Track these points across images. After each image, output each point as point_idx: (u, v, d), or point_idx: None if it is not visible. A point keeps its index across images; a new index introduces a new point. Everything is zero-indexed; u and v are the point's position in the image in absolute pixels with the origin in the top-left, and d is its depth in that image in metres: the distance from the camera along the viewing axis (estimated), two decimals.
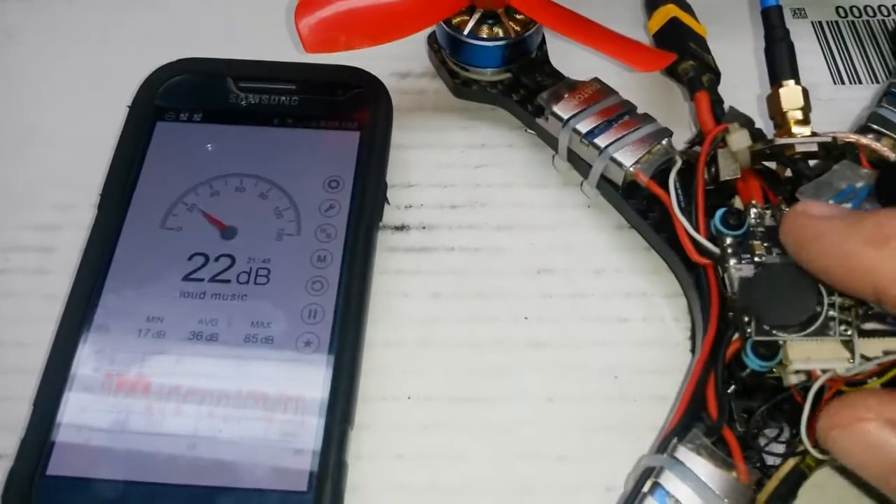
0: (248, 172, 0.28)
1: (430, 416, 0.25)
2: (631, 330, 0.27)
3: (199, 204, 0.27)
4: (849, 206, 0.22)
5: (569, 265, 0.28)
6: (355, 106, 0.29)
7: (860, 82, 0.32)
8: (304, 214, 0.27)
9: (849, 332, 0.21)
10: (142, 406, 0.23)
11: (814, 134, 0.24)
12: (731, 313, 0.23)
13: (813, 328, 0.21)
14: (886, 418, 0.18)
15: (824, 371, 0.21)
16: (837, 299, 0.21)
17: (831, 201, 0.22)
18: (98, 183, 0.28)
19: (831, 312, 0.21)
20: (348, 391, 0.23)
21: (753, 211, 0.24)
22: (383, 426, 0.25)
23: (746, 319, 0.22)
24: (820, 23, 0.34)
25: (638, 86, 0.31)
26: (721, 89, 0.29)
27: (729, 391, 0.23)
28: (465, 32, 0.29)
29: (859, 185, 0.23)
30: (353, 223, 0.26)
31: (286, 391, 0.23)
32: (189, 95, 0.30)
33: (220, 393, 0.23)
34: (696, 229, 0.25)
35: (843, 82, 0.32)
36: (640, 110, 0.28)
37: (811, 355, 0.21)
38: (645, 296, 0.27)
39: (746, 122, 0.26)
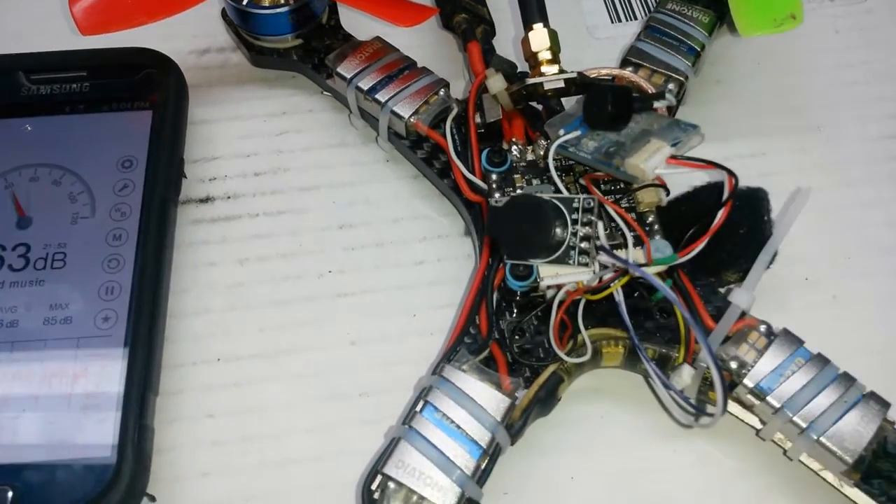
0: (42, 162, 0.28)
1: (239, 374, 0.26)
2: (427, 271, 0.28)
3: None
4: (578, 132, 0.24)
5: (369, 218, 0.29)
6: (146, 86, 0.30)
7: (636, 18, 0.35)
8: (98, 196, 0.27)
9: (585, 262, 0.23)
10: None
11: (561, 71, 0.26)
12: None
13: (555, 256, 0.23)
14: None
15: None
16: (580, 230, 0.23)
17: (562, 130, 0.24)
18: None
19: (573, 241, 0.23)
20: (147, 360, 0.24)
21: (515, 148, 0.26)
22: (194, 389, 0.26)
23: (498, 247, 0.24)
24: None
25: (421, 42, 0.32)
26: (503, 40, 0.31)
27: (513, 316, 0.25)
28: (245, 3, 0.30)
29: None
30: (147, 199, 0.27)
31: (86, 367, 0.24)
32: None
33: (22, 375, 0.24)
34: (473, 171, 0.27)
35: (619, 20, 0.35)
36: (420, 64, 0.30)
37: (559, 271, 0.23)
38: (439, 238, 0.29)
39: (509, 67, 0.28)
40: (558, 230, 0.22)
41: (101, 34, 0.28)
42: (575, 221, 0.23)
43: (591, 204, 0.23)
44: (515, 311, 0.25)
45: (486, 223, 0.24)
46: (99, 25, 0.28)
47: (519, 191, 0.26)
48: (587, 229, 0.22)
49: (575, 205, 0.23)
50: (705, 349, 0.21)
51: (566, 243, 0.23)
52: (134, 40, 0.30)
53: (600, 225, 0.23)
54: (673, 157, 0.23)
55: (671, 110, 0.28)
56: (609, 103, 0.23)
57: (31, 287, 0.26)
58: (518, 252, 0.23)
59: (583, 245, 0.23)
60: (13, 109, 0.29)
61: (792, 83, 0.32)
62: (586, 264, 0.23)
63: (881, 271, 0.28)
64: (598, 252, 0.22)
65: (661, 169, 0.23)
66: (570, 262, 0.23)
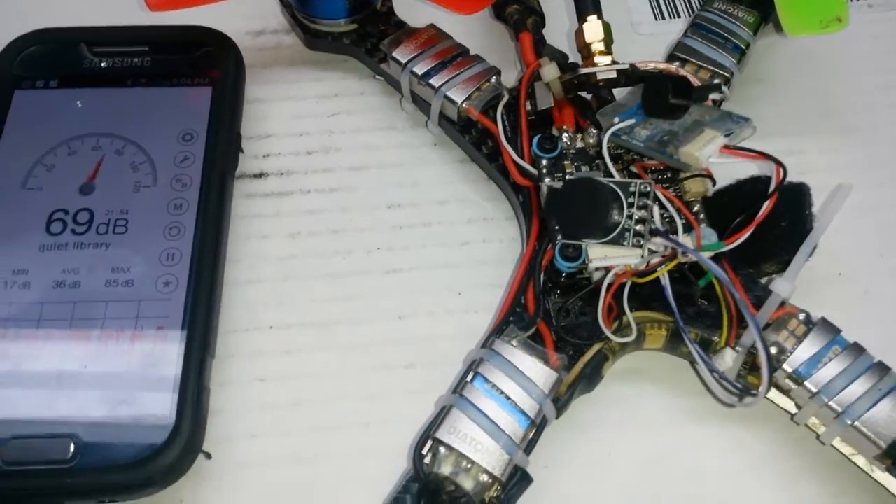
0: (105, 132, 0.29)
1: (290, 342, 0.27)
2: (472, 251, 0.29)
3: (57, 164, 0.28)
4: (632, 121, 0.25)
5: (416, 198, 0.30)
6: (206, 63, 0.31)
7: (679, 16, 0.35)
8: (159, 167, 0.28)
9: (640, 243, 0.24)
10: (12, 351, 0.25)
11: (613, 62, 0.27)
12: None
13: (610, 238, 0.24)
14: None
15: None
16: (636, 212, 0.24)
17: (617, 118, 0.25)
18: None
19: (628, 223, 0.24)
20: (206, 323, 0.25)
21: (565, 135, 0.27)
22: (246, 354, 0.27)
23: (552, 226, 0.24)
24: None
25: (472, 30, 0.33)
26: (551, 30, 0.32)
27: (558, 297, 0.26)
28: None
29: None
30: (207, 171, 0.28)
31: (147, 328, 0.25)
32: (45, 64, 0.31)
33: (85, 334, 0.25)
34: (522, 156, 0.28)
35: (663, 17, 0.35)
36: (472, 52, 0.31)
37: (608, 254, 0.24)
38: (485, 220, 0.30)
39: (561, 57, 0.29)
40: (615, 212, 0.23)
41: (168, 11, 0.29)
42: (631, 205, 0.24)
43: (648, 188, 0.24)
44: (559, 292, 0.26)
45: (544, 203, 0.24)
46: (167, 2, 0.29)
47: (568, 176, 0.27)
48: (643, 212, 0.23)
49: (632, 189, 0.24)
50: (753, 327, 0.21)
51: (622, 225, 0.24)
52: (191, 19, 0.31)
53: (655, 209, 0.23)
54: (726, 146, 0.23)
55: (718, 105, 0.29)
56: (670, 92, 0.24)
57: (94, 250, 0.27)
58: (574, 231, 0.24)
59: (637, 227, 0.23)
60: (76, 80, 0.30)
61: (831, 85, 0.33)
62: (640, 245, 0.23)
63: None
64: (653, 235, 0.23)
65: (714, 157, 0.23)
66: (625, 243, 0.24)
